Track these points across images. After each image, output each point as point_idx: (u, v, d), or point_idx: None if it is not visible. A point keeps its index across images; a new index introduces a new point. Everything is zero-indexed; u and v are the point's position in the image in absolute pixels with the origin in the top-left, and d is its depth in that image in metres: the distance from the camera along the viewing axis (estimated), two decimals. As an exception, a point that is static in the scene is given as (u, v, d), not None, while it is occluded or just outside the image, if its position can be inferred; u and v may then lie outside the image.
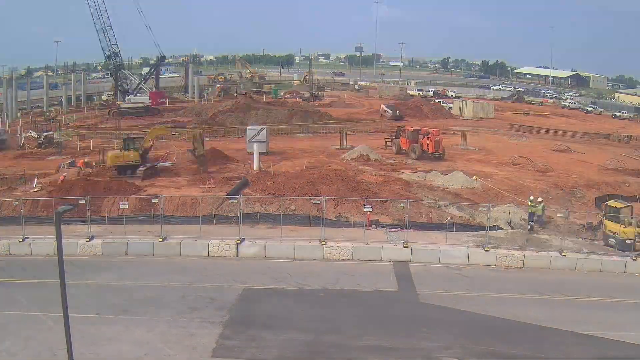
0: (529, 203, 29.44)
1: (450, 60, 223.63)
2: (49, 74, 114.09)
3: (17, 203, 26.82)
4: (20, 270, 22.43)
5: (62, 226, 13.15)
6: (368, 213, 26.56)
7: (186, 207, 28.10)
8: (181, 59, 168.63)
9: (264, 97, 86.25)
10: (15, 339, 16.96)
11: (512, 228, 28.07)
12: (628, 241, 25.63)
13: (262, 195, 29.30)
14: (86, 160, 38.32)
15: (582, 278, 23.52)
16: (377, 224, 27.08)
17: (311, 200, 27.96)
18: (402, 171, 38.19)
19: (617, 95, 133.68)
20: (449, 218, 27.78)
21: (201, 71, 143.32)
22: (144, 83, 79.51)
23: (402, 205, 26.89)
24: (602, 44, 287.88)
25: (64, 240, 13.12)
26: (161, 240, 24.72)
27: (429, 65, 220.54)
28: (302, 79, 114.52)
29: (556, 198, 34.78)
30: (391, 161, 42.48)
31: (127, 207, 26.38)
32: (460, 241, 25.52)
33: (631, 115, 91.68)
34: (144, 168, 34.49)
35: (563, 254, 24.52)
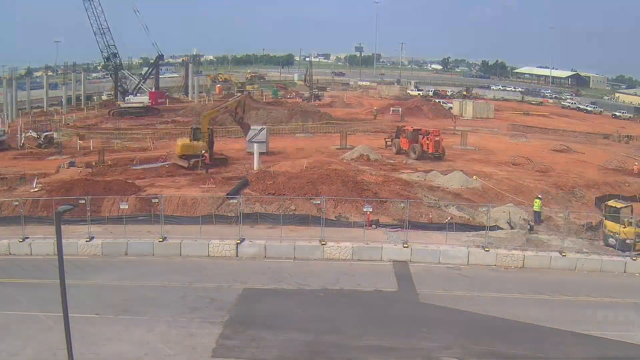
0: (537, 202, 29.55)
1: (450, 60, 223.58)
2: (49, 74, 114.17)
3: (17, 203, 26.79)
4: (20, 270, 22.41)
5: (62, 226, 13.15)
6: (368, 213, 26.56)
7: (186, 207, 28.09)
8: (181, 59, 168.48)
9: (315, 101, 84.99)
10: (15, 339, 16.95)
11: (512, 228, 28.06)
12: (628, 241, 25.62)
13: (262, 195, 29.29)
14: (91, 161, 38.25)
15: (582, 278, 23.51)
16: (377, 224, 27.07)
17: (311, 200, 27.96)
18: (402, 171, 38.20)
19: (617, 95, 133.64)
20: (449, 218, 27.78)
21: (201, 71, 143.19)
22: (144, 83, 79.49)
23: (402, 205, 26.88)
24: (602, 44, 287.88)
25: (64, 240, 13.13)
26: (161, 240, 24.71)
27: (429, 65, 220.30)
28: (304, 80, 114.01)
29: (556, 198, 34.81)
30: (391, 161, 42.50)
31: (127, 207, 26.36)
32: (460, 241, 25.50)
33: (631, 115, 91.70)
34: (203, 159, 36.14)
35: (563, 254, 24.51)
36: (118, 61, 75.37)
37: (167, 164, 38.83)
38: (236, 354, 16.45)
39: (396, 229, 26.37)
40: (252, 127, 42.68)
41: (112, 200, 27.93)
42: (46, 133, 50.32)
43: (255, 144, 38.65)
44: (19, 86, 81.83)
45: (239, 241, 24.66)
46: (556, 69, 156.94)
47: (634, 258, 24.63)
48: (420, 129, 46.38)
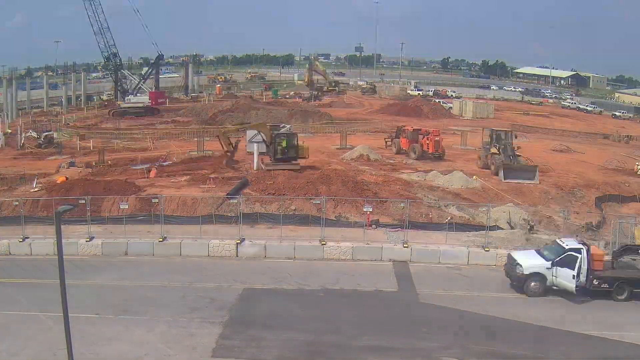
0: None
1: (450, 60, 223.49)
2: (49, 74, 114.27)
3: (17, 203, 26.78)
4: (20, 270, 22.41)
5: (62, 226, 13.15)
6: (368, 213, 26.55)
7: (186, 207, 28.08)
8: (181, 59, 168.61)
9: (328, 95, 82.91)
10: (15, 339, 16.94)
11: (512, 228, 28.05)
12: None
13: (262, 195, 29.28)
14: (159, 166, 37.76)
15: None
16: (377, 224, 27.06)
17: (311, 200, 27.95)
18: (402, 171, 38.20)
19: (617, 95, 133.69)
20: (449, 218, 27.77)
21: (201, 71, 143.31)
22: (144, 83, 79.53)
23: (402, 205, 26.87)
24: (602, 44, 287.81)
25: (64, 240, 13.13)
26: (161, 240, 24.71)
27: (429, 65, 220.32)
28: (305, 79, 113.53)
29: (556, 198, 34.82)
30: (391, 161, 42.50)
31: (127, 207, 26.35)
32: (460, 241, 25.49)
33: (631, 115, 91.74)
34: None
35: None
36: (118, 61, 75.50)
37: (166, 164, 38.85)
38: (236, 354, 16.45)
39: (396, 229, 26.36)
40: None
41: (112, 200, 27.92)
42: (46, 133, 50.35)
43: (255, 144, 38.58)
44: (19, 86, 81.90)
45: (239, 241, 24.66)
46: (556, 69, 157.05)
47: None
48: (420, 129, 46.38)
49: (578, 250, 21.00)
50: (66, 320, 12.67)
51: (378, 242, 24.97)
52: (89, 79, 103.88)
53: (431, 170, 37.59)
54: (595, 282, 21.00)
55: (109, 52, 73.11)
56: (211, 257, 24.22)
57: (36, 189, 30.44)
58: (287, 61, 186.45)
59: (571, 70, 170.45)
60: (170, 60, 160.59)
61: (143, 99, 72.14)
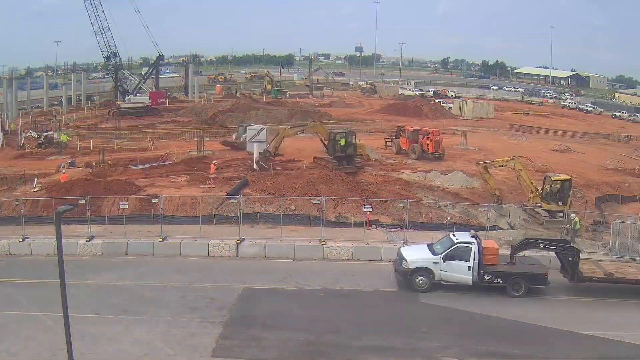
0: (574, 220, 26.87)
1: (450, 60, 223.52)
2: (49, 74, 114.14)
3: (17, 203, 26.79)
4: (20, 270, 22.41)
5: (62, 226, 13.14)
6: (368, 213, 26.57)
7: (186, 207, 28.09)
8: (181, 59, 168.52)
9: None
10: (15, 339, 16.95)
11: (512, 228, 28.06)
12: None
13: (262, 195, 29.30)
14: (216, 163, 37.22)
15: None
16: (377, 224, 27.09)
17: (311, 200, 27.96)
18: (402, 171, 38.18)
19: (617, 95, 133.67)
20: (448, 218, 27.78)
21: (201, 71, 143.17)
22: (144, 83, 79.42)
23: (402, 205, 26.89)
24: (602, 44, 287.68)
25: (64, 240, 13.13)
26: (161, 240, 24.73)
27: (429, 65, 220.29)
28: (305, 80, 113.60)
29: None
30: (391, 161, 42.48)
31: (127, 207, 26.37)
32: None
33: (631, 115, 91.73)
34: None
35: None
36: (118, 61, 75.33)
37: (166, 164, 38.83)
38: (236, 354, 16.45)
39: (396, 229, 26.38)
40: (252, 127, 42.59)
41: (112, 200, 27.94)
42: (46, 133, 50.32)
43: (255, 144, 38.60)
44: (19, 86, 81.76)
45: (239, 241, 24.67)
46: (556, 69, 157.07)
47: (633, 258, 24.62)
48: (420, 129, 46.38)
49: (468, 243, 20.85)
50: (66, 320, 12.67)
51: (378, 242, 24.99)
52: (89, 79, 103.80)
53: (431, 170, 37.57)
54: (486, 277, 20.82)
55: (109, 52, 73.04)
56: (211, 257, 24.23)
57: (36, 189, 30.45)
58: (287, 61, 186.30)
59: (571, 70, 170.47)
60: (170, 60, 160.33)
61: (143, 99, 72.09)
